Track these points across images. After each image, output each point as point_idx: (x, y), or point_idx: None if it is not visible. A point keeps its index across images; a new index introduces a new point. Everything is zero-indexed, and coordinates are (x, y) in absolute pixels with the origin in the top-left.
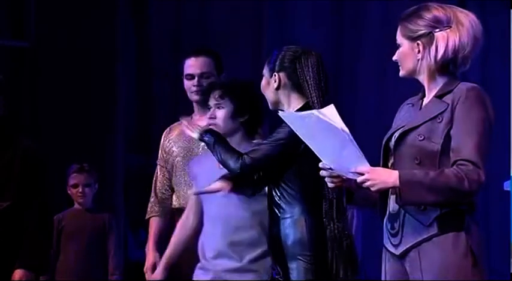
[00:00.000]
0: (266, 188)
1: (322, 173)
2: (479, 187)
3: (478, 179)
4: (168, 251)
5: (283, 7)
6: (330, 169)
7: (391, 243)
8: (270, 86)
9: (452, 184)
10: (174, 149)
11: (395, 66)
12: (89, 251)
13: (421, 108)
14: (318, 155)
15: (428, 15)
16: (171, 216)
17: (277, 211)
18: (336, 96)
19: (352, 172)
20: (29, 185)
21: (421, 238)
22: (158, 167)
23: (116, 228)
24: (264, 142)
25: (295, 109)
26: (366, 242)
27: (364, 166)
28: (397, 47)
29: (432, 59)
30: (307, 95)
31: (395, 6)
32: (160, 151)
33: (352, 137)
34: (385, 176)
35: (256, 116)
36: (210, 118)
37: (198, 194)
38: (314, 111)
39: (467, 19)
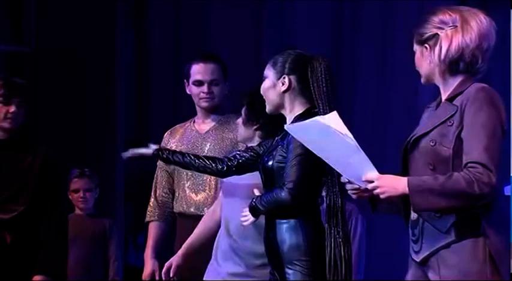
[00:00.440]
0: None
1: (347, 186)
2: (492, 189)
3: (489, 181)
4: (190, 239)
5: (282, 9)
6: (349, 181)
7: (413, 250)
8: (276, 88)
9: (462, 187)
10: None
11: (394, 67)
12: (90, 256)
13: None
14: (329, 163)
15: (434, 18)
16: (172, 220)
17: (274, 216)
18: (336, 98)
19: (362, 181)
20: (46, 191)
21: (439, 245)
22: (158, 170)
23: (116, 233)
24: (288, 164)
25: (297, 114)
26: (369, 246)
27: (373, 173)
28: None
29: (437, 59)
30: (314, 101)
31: (394, 7)
32: None
33: (357, 144)
34: (394, 183)
35: (271, 119)
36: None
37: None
38: (317, 117)
39: (473, 17)
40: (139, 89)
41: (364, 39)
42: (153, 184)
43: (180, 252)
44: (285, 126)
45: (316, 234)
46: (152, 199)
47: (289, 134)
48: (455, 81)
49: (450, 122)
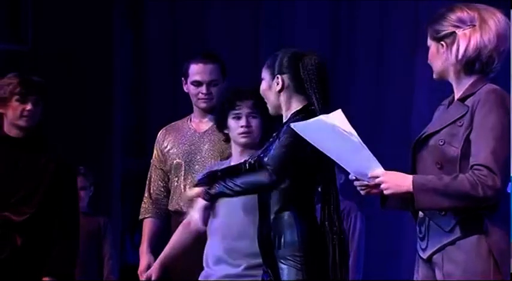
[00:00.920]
0: None
1: (355, 183)
2: (496, 193)
3: (493, 184)
4: (165, 251)
5: (280, 9)
6: (357, 178)
7: (420, 247)
8: (271, 89)
9: (466, 189)
10: (173, 151)
11: (392, 67)
12: (84, 254)
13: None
14: (337, 161)
15: (452, 16)
16: (167, 218)
17: (267, 212)
18: (333, 97)
19: (369, 177)
20: (59, 193)
21: (445, 241)
22: (152, 167)
23: (111, 231)
24: (275, 146)
25: (294, 111)
26: (368, 244)
27: (378, 169)
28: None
29: (454, 58)
30: (309, 97)
31: (391, 7)
32: (155, 151)
33: (362, 141)
34: (399, 181)
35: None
36: (247, 127)
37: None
38: (321, 116)
39: (491, 17)
40: (138, 87)
41: (362, 39)
42: (147, 181)
43: (156, 265)
44: (291, 125)
45: (310, 230)
46: (146, 196)
47: (283, 129)
48: (469, 81)
49: (460, 122)
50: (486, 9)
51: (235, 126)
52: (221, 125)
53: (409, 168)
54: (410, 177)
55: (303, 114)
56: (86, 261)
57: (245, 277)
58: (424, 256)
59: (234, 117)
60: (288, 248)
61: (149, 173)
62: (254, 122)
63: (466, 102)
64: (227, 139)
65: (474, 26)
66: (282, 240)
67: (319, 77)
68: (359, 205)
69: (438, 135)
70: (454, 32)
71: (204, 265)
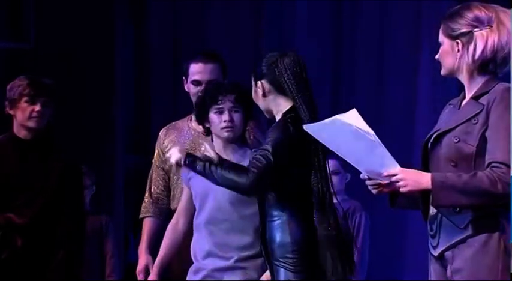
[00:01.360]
0: None
1: (367, 182)
2: None
3: None
4: (160, 254)
5: (281, 9)
6: (369, 178)
7: (431, 244)
8: (257, 95)
9: (485, 186)
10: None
11: (393, 71)
12: (86, 253)
13: (460, 109)
14: (348, 161)
15: (469, 15)
16: (167, 217)
17: (265, 214)
18: (336, 101)
19: (384, 176)
20: (67, 196)
21: (456, 239)
22: (154, 166)
23: (113, 230)
24: (261, 150)
25: (283, 111)
26: (372, 243)
27: (395, 167)
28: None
29: (470, 58)
30: (291, 96)
31: (393, 7)
32: (156, 150)
33: (378, 139)
34: (418, 178)
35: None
36: (230, 121)
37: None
38: (337, 116)
39: (508, 18)
40: (139, 86)
41: (363, 38)
42: (148, 181)
43: (155, 268)
44: (304, 127)
45: (303, 231)
46: (147, 195)
47: (271, 127)
48: (481, 80)
49: (475, 120)
50: (504, 10)
51: (218, 121)
52: (201, 118)
53: (411, 166)
54: (428, 174)
55: (291, 114)
56: (88, 260)
57: (236, 269)
58: (435, 253)
59: (216, 112)
60: (280, 250)
61: (150, 172)
62: (236, 117)
63: (480, 101)
64: (208, 133)
65: (491, 26)
66: (276, 242)
67: (295, 76)
68: (364, 204)
69: (452, 133)
70: (471, 31)
71: (193, 258)
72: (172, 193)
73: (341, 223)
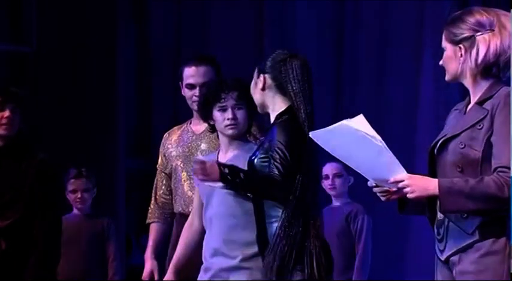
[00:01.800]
0: None
1: (374, 190)
2: None
3: None
4: (176, 256)
5: (283, 9)
6: (377, 185)
7: (438, 248)
8: (256, 86)
9: (492, 191)
10: (173, 153)
11: (395, 72)
12: (88, 256)
13: (465, 114)
14: (354, 168)
15: (470, 19)
16: (172, 221)
17: (263, 216)
18: (337, 102)
19: (391, 182)
20: (40, 198)
21: (463, 244)
22: (158, 172)
23: (115, 233)
24: (275, 154)
25: (279, 111)
26: (376, 246)
27: (402, 173)
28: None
29: (473, 62)
30: (291, 98)
31: (394, 7)
32: (160, 156)
33: (386, 145)
34: (425, 184)
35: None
36: (233, 119)
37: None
38: (344, 121)
39: (509, 22)
40: (141, 88)
41: (365, 39)
42: (154, 186)
43: (170, 271)
44: (310, 134)
45: (302, 233)
46: (152, 201)
47: (272, 131)
48: (485, 84)
49: (480, 125)
50: (505, 14)
51: (222, 118)
52: (206, 116)
53: (413, 169)
54: (435, 180)
55: (287, 116)
56: (90, 262)
57: (241, 269)
58: (442, 257)
59: (219, 110)
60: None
61: (155, 178)
62: (240, 114)
63: (484, 106)
64: (213, 129)
65: (493, 30)
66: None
67: (300, 79)
68: (366, 208)
69: (458, 139)
70: (473, 35)
71: (203, 258)
72: (173, 196)
73: (318, 225)
